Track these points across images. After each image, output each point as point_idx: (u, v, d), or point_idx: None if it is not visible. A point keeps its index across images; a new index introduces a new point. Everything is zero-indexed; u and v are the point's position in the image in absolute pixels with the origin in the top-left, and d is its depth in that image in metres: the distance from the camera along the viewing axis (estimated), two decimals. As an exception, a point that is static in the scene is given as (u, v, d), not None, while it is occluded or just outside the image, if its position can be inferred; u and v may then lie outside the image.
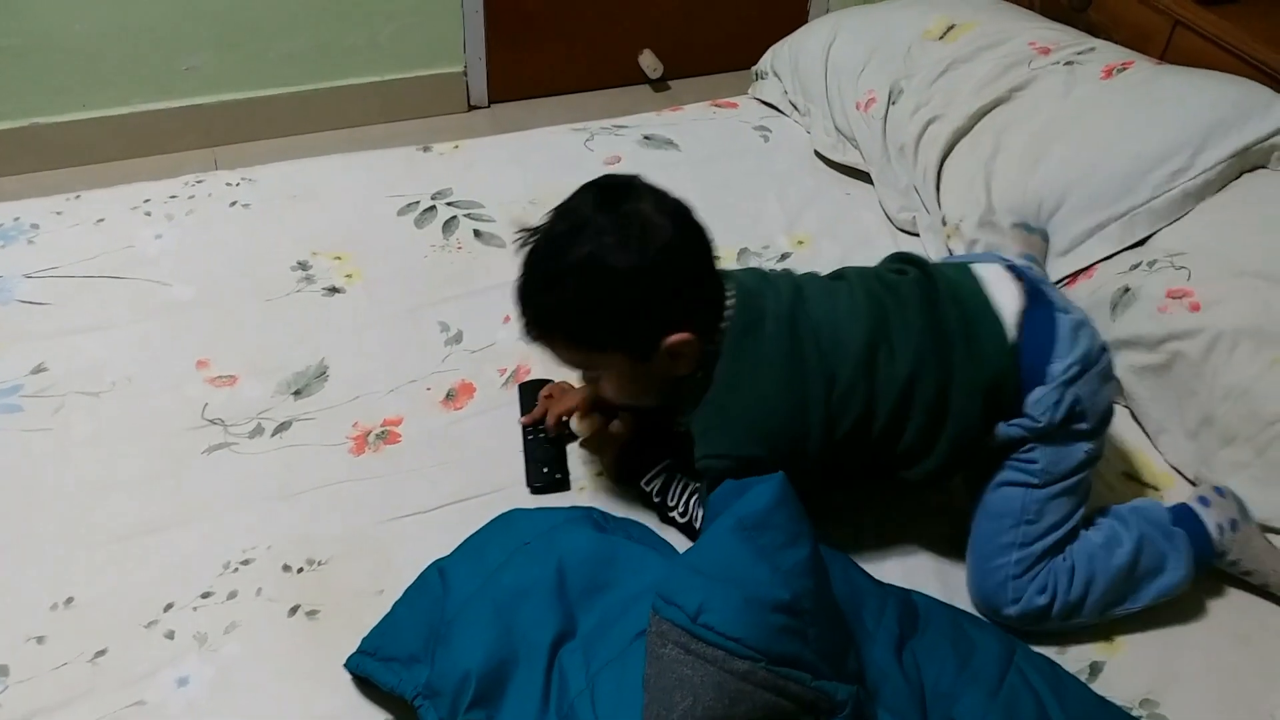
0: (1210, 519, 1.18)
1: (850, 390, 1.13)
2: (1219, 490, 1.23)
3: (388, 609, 1.09)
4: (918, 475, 1.18)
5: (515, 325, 1.48)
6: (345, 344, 1.46)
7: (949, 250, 1.61)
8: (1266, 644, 1.16)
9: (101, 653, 1.09)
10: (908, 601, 1.11)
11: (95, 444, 1.30)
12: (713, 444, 1.14)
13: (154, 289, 1.52)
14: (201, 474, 1.28)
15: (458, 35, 2.66)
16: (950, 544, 1.24)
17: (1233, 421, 1.28)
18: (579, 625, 1.05)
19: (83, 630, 1.11)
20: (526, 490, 1.28)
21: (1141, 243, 1.49)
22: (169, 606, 1.13)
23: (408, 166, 1.80)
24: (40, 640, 1.10)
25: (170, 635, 1.11)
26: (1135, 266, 1.46)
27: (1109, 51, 1.77)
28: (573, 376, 1.38)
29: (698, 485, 1.23)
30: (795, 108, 2.00)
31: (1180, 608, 1.18)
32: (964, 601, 1.18)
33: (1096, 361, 1.16)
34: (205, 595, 1.14)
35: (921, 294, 1.17)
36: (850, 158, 1.85)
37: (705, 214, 1.13)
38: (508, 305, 1.50)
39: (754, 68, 2.14)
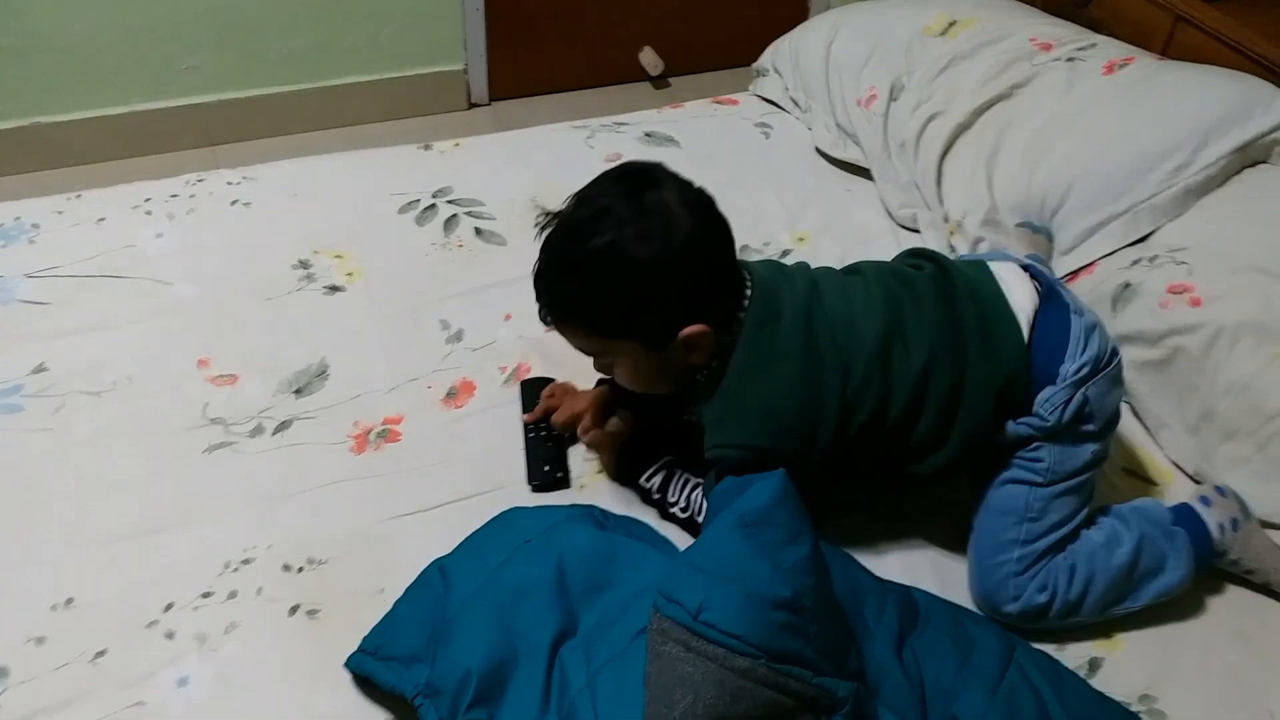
0: (1211, 518, 1.18)
1: (865, 384, 1.13)
2: (1220, 489, 1.23)
3: (388, 608, 1.10)
4: (927, 469, 1.18)
5: (516, 323, 1.50)
6: (346, 342, 1.46)
7: (951, 247, 1.61)
8: (1265, 641, 1.16)
9: (101, 653, 1.09)
10: (908, 598, 1.11)
11: (96, 444, 1.30)
12: (726, 434, 1.14)
13: (155, 288, 1.52)
14: (202, 473, 1.28)
15: (458, 33, 2.66)
16: (950, 540, 1.24)
17: (1234, 417, 1.28)
18: (579, 623, 1.05)
19: (83, 631, 1.11)
20: (527, 488, 1.28)
21: (1143, 239, 1.49)
22: (169, 606, 1.13)
23: (408, 165, 1.79)
24: (40, 641, 1.10)
25: (170, 635, 1.11)
26: (1136, 262, 1.45)
27: (1110, 47, 1.77)
28: (575, 375, 1.38)
29: (699, 481, 1.23)
30: (796, 104, 1.99)
31: (1179, 605, 1.18)
32: (962, 598, 1.18)
33: (1108, 364, 1.16)
34: (205, 595, 1.15)
35: (937, 289, 1.17)
36: (851, 154, 1.85)
37: (706, 212, 1.12)
38: (508, 303, 1.52)
39: (755, 64, 2.14)
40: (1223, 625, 1.17)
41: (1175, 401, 1.35)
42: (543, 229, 1.12)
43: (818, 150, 1.89)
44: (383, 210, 1.69)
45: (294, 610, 1.14)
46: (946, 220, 1.64)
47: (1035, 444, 1.15)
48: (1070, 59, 1.73)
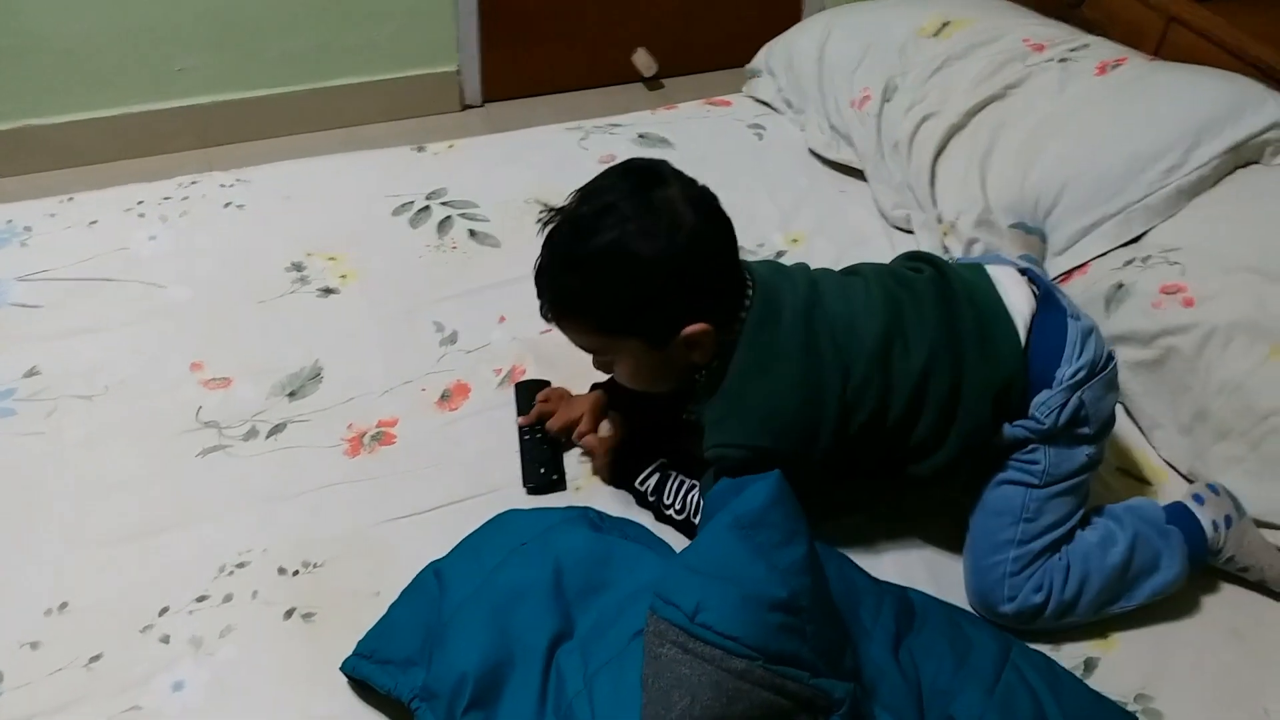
0: (1205, 516, 1.19)
1: (865, 384, 1.13)
2: (1213, 487, 1.23)
3: (384, 611, 1.09)
4: (927, 470, 1.18)
5: (510, 325, 1.49)
6: (340, 345, 1.45)
7: (944, 247, 1.62)
8: (1260, 639, 1.16)
9: (96, 658, 1.08)
10: (904, 599, 1.11)
11: (89, 447, 1.30)
12: (726, 433, 1.14)
13: (148, 291, 1.52)
14: (196, 477, 1.27)
15: (451, 34, 2.66)
16: (945, 540, 1.24)
17: (1227, 416, 1.28)
18: (576, 625, 1.05)
19: (78, 635, 1.10)
20: (522, 490, 1.28)
21: (1136, 239, 1.50)
22: (164, 610, 1.13)
23: (402, 166, 1.79)
24: (35, 646, 1.09)
25: (165, 639, 1.10)
26: (1129, 263, 1.46)
27: (1103, 48, 1.77)
28: (571, 376, 1.38)
29: (694, 482, 1.23)
30: (789, 105, 1.99)
31: (1174, 604, 1.18)
32: (957, 598, 1.18)
33: (1103, 369, 1.17)
34: (200, 599, 1.14)
35: (937, 292, 1.18)
36: (845, 155, 1.85)
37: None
38: (503, 305, 1.52)
39: (748, 66, 2.14)
40: (1218, 624, 1.18)
41: (1169, 401, 1.35)
42: (545, 224, 1.12)
43: (811, 151, 1.89)
44: (377, 212, 1.68)
45: (289, 614, 1.13)
46: (940, 221, 1.65)
47: (1031, 446, 1.15)
48: (1063, 60, 1.73)
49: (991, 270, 1.22)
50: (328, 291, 1.54)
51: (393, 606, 1.09)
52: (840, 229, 1.72)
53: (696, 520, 1.19)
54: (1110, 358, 1.19)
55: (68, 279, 1.52)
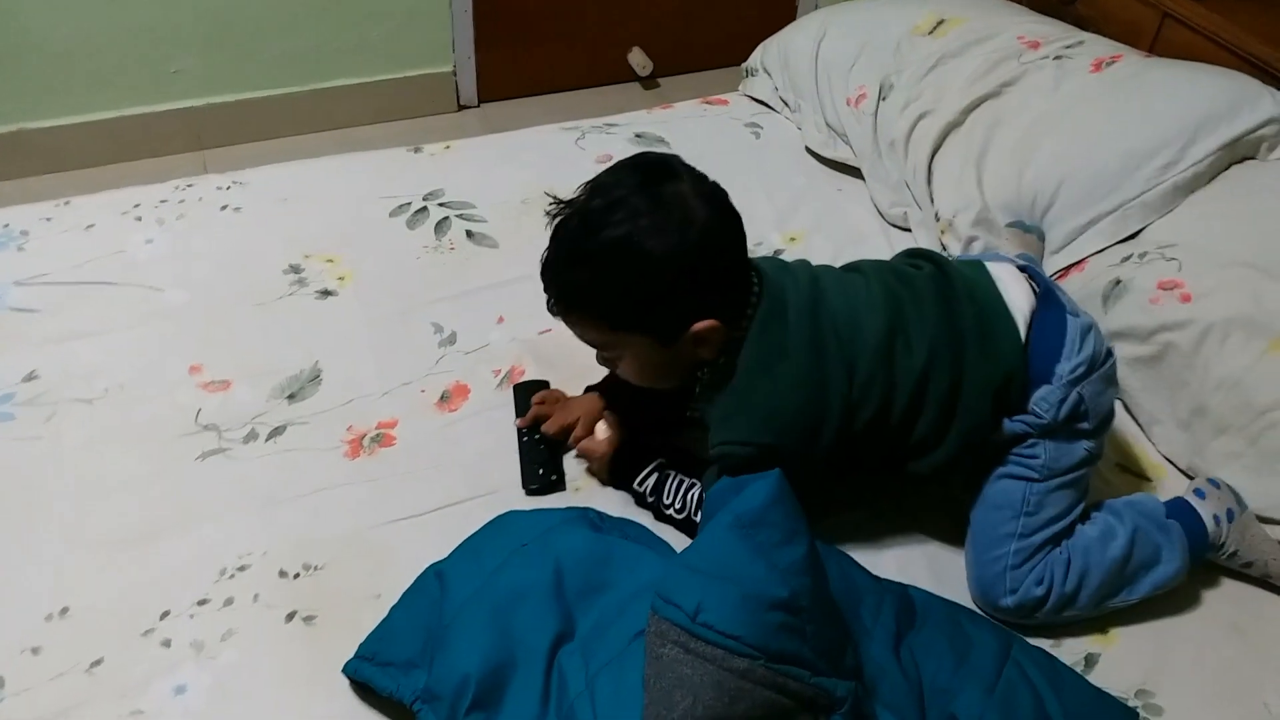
0: (1206, 510, 1.19)
1: (870, 380, 1.13)
2: (1213, 482, 1.24)
3: (385, 613, 1.09)
4: (926, 467, 1.18)
5: (509, 326, 1.49)
6: (338, 347, 1.45)
7: (942, 245, 1.62)
8: (1261, 634, 1.17)
9: (98, 662, 1.08)
10: (905, 597, 1.11)
11: (88, 452, 1.29)
12: (732, 431, 1.14)
13: (145, 294, 1.52)
14: (196, 480, 1.27)
15: (446, 35, 2.66)
16: (946, 535, 1.25)
17: (1225, 412, 1.29)
18: (577, 626, 1.05)
19: (79, 640, 1.10)
20: (522, 492, 1.28)
21: (1133, 235, 1.50)
22: (165, 614, 1.13)
23: (399, 168, 1.79)
24: (36, 651, 1.09)
25: (167, 643, 1.10)
26: (1126, 259, 1.46)
27: (1098, 45, 1.77)
28: (570, 377, 1.38)
29: (693, 481, 1.23)
30: (786, 104, 2.00)
31: (1174, 599, 1.19)
32: (956, 592, 1.18)
33: (1102, 364, 1.17)
34: (201, 602, 1.14)
35: (937, 289, 1.18)
36: (841, 154, 1.85)
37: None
38: (501, 306, 1.52)
39: (744, 64, 2.14)
40: (1218, 619, 1.18)
41: (1167, 397, 1.36)
42: (554, 217, 1.10)
43: (808, 150, 1.89)
44: (374, 214, 1.68)
45: (291, 616, 1.13)
46: (938, 219, 1.65)
47: (1031, 441, 1.16)
48: (1058, 57, 1.74)
49: (991, 267, 1.22)
50: (326, 293, 1.54)
51: (394, 609, 1.09)
52: (838, 227, 1.72)
53: (697, 519, 1.19)
54: (1109, 354, 1.20)
55: (65, 283, 1.52)
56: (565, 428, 1.31)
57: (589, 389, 1.34)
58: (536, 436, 1.32)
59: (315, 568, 1.18)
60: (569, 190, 1.13)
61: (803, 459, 1.11)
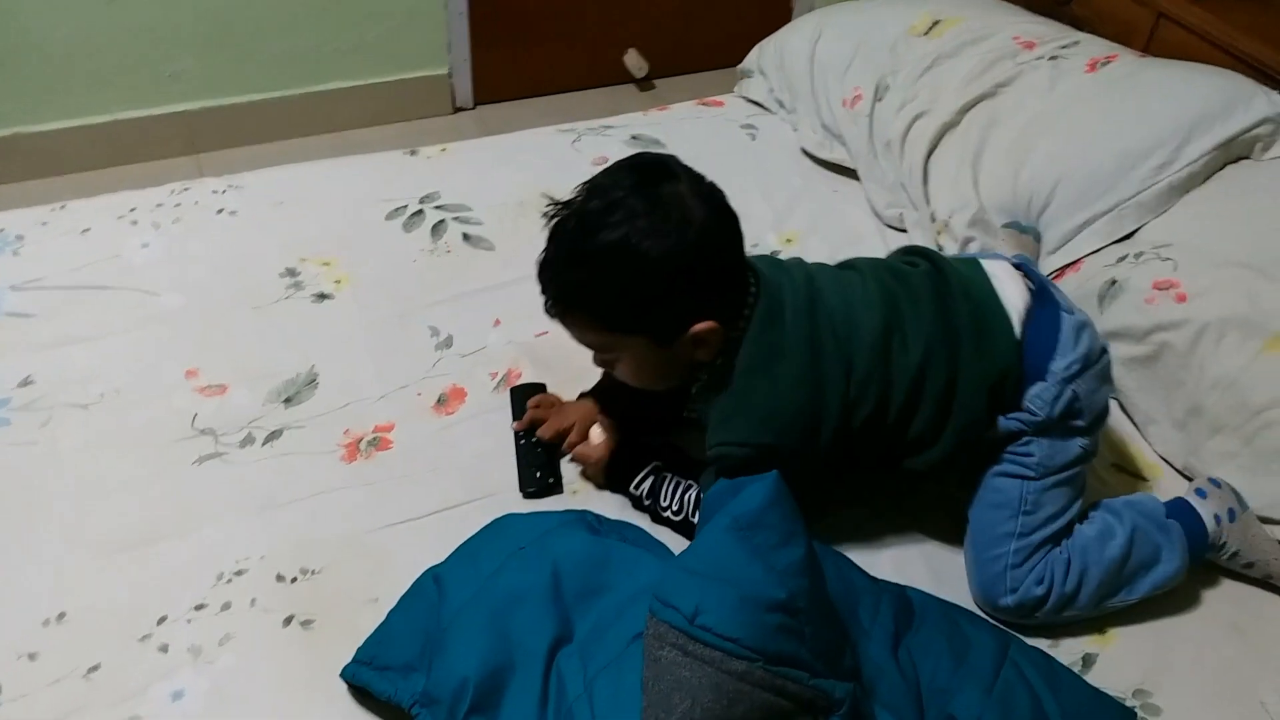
0: (1207, 510, 1.19)
1: (867, 378, 1.13)
2: (1214, 482, 1.24)
3: (383, 617, 1.09)
4: (922, 465, 1.18)
5: (506, 328, 1.49)
6: (335, 350, 1.45)
7: (939, 246, 1.62)
8: (1259, 633, 1.17)
9: (95, 668, 1.08)
10: (903, 598, 1.11)
11: (84, 457, 1.29)
12: (732, 431, 1.14)
13: (141, 299, 1.51)
14: (192, 485, 1.27)
15: (442, 37, 2.65)
16: (943, 533, 1.25)
17: (1220, 412, 1.29)
18: (575, 629, 1.05)
19: (75, 646, 1.10)
20: (519, 495, 1.28)
21: (1128, 235, 1.50)
22: (162, 619, 1.13)
23: (395, 170, 1.79)
24: (33, 657, 1.09)
25: (164, 649, 1.10)
26: (1122, 259, 1.46)
27: (1093, 45, 1.78)
28: (566, 380, 1.38)
29: (689, 482, 1.23)
30: (781, 105, 2.00)
31: (1173, 599, 1.19)
32: (954, 591, 1.18)
33: (1096, 361, 1.18)
34: (199, 607, 1.14)
35: (932, 286, 1.18)
36: (837, 155, 1.85)
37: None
38: (498, 308, 1.52)
39: (739, 66, 2.14)
40: (1217, 619, 1.18)
41: (1163, 397, 1.36)
42: (552, 218, 1.10)
43: (804, 151, 1.89)
44: (370, 217, 1.68)
45: (288, 621, 1.13)
46: (934, 220, 1.65)
47: (1025, 439, 1.16)
48: (1053, 57, 1.74)
49: (987, 264, 1.22)
50: (322, 297, 1.54)
51: (391, 612, 1.09)
52: (834, 228, 1.72)
53: (695, 520, 1.19)
54: (1104, 351, 1.20)
55: (61, 287, 1.52)
56: (560, 432, 1.31)
57: (583, 395, 1.34)
58: (534, 440, 1.32)
59: (313, 572, 1.18)
60: (565, 193, 1.13)
61: (800, 458, 1.11)
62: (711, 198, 1.09)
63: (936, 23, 1.89)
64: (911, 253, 1.27)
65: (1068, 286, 1.48)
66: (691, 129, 1.93)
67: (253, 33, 2.46)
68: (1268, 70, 1.67)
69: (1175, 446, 1.35)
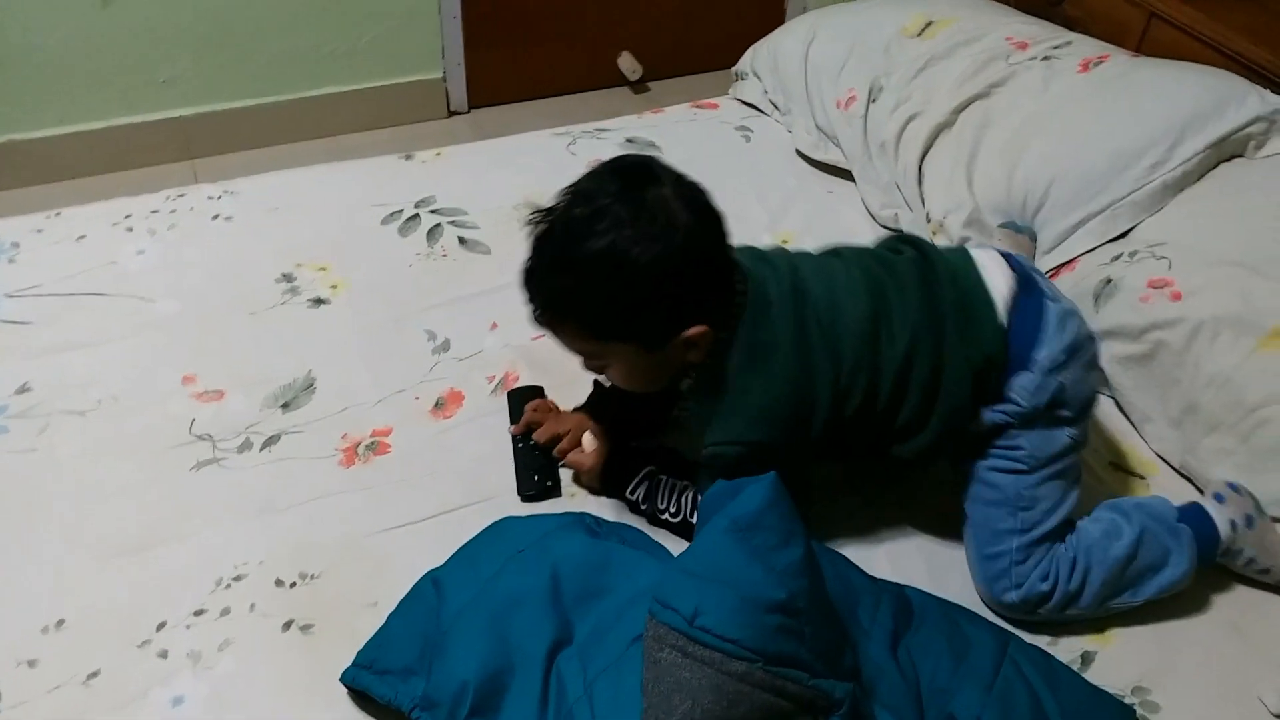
0: (1223, 515, 1.18)
1: (856, 367, 1.13)
2: (1233, 486, 1.23)
3: (382, 621, 1.09)
4: (910, 452, 1.18)
5: (503, 332, 1.49)
6: (332, 355, 1.45)
7: (933, 246, 1.62)
8: (1259, 633, 1.17)
9: (94, 674, 1.08)
10: (902, 598, 1.12)
11: (82, 463, 1.29)
12: (726, 430, 1.13)
13: (138, 305, 1.51)
14: (190, 490, 1.27)
15: (436, 41, 2.66)
16: (939, 527, 1.25)
17: (1216, 409, 1.29)
18: (575, 631, 1.05)
19: (75, 652, 1.10)
20: (518, 498, 1.28)
21: (1123, 235, 1.51)
22: (161, 625, 1.13)
23: (390, 175, 1.79)
24: (32, 664, 1.09)
25: (164, 654, 1.10)
26: (1117, 258, 1.47)
27: (1085, 45, 1.78)
28: (563, 383, 1.38)
29: (685, 483, 1.23)
30: (776, 107, 2.00)
31: (1173, 598, 1.18)
32: (952, 589, 1.19)
33: (1082, 350, 1.17)
34: (198, 613, 1.14)
35: (918, 273, 1.18)
36: (832, 156, 1.86)
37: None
38: (494, 312, 1.52)
39: (734, 68, 2.15)
40: (1217, 618, 1.18)
41: (1158, 395, 1.36)
42: (535, 226, 1.09)
43: (798, 152, 1.90)
44: (365, 221, 1.68)
45: (288, 625, 1.13)
46: (929, 220, 1.65)
47: (1012, 432, 1.15)
48: (1046, 57, 1.75)
49: (974, 252, 1.22)
50: (318, 302, 1.54)
51: (391, 616, 1.09)
52: (829, 229, 1.72)
53: (694, 520, 1.19)
54: (1090, 339, 1.20)
55: (57, 294, 1.52)
56: (556, 436, 1.31)
57: (575, 410, 1.34)
58: (532, 443, 1.32)
59: (312, 576, 1.18)
60: (560, 190, 1.12)
61: (791, 450, 1.11)
62: (695, 200, 1.07)
63: (929, 24, 1.89)
64: (898, 240, 1.27)
65: (1063, 285, 1.48)
66: (686, 131, 1.94)
67: (246, 38, 2.46)
68: (1260, 69, 1.68)
69: (1171, 444, 1.35)
